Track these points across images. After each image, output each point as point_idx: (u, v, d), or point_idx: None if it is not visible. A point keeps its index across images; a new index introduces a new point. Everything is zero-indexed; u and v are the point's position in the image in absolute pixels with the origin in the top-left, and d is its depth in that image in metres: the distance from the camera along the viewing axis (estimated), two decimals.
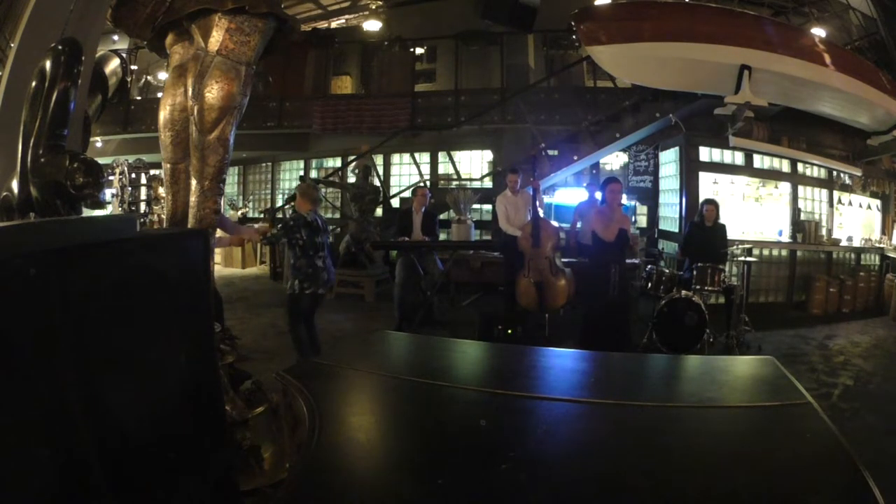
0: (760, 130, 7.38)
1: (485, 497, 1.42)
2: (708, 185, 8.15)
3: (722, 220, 6.25)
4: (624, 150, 9.22)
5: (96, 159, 2.38)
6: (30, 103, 2.24)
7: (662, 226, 9.02)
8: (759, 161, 8.31)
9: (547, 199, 8.78)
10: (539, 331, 5.72)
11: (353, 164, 9.77)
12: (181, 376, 1.96)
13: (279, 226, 5.02)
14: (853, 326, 6.88)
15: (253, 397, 3.04)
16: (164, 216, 3.20)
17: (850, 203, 8.75)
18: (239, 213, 12.00)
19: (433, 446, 1.68)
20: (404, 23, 11.40)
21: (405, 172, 11.13)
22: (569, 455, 1.63)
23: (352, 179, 9.65)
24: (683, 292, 5.52)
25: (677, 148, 8.43)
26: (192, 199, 2.74)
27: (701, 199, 6.84)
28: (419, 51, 11.41)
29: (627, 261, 7.07)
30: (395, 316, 6.35)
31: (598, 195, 5.51)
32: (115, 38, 10.46)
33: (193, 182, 2.73)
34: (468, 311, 7.27)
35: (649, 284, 5.89)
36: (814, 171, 8.49)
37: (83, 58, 2.39)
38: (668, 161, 8.94)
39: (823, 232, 8.31)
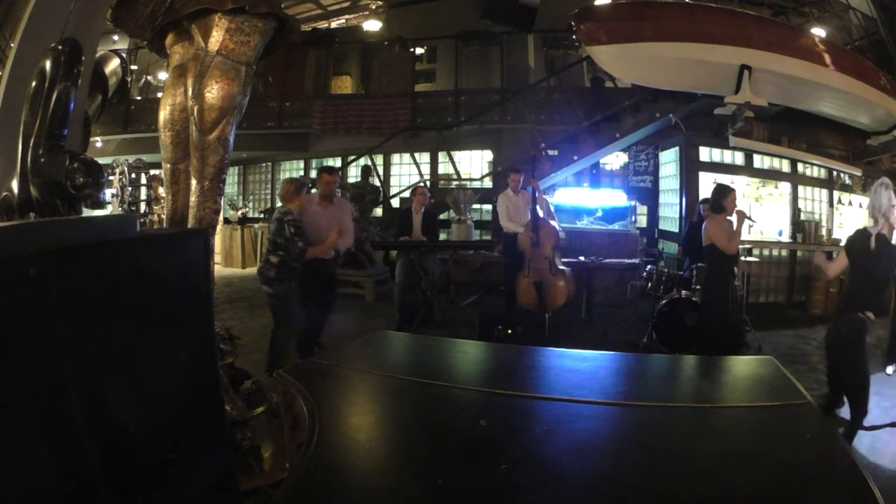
0: (760, 130, 7.37)
1: (485, 497, 1.41)
2: (708, 185, 8.11)
3: None
4: (624, 150, 9.23)
5: (96, 159, 2.37)
6: (30, 103, 2.23)
7: (662, 226, 9.03)
8: (759, 161, 8.30)
9: (546, 199, 8.78)
10: (539, 331, 5.72)
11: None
12: (181, 376, 1.96)
13: None
14: None
15: (253, 397, 3.03)
16: (164, 216, 3.20)
17: (850, 203, 8.74)
18: (239, 213, 12.00)
19: (433, 446, 1.68)
20: (404, 23, 11.40)
21: (405, 172, 11.13)
22: (569, 455, 1.63)
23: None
24: (683, 292, 5.52)
25: (677, 148, 8.43)
26: (192, 199, 2.74)
27: (700, 199, 6.84)
28: (419, 51, 11.41)
29: (626, 260, 7.12)
30: (395, 316, 6.35)
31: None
32: (115, 38, 10.44)
33: (193, 182, 2.73)
34: (468, 311, 7.26)
35: (649, 284, 5.89)
36: (814, 171, 8.48)
37: (83, 58, 2.39)
38: (668, 161, 8.94)
39: (823, 232, 8.30)
